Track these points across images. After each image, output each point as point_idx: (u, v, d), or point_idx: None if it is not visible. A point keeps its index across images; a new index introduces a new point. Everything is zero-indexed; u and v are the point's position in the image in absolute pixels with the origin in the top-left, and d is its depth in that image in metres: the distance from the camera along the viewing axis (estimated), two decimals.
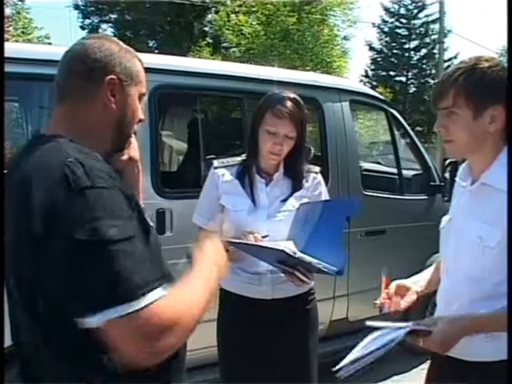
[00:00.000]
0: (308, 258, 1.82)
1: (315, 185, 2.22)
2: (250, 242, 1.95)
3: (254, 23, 16.08)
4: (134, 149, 1.42)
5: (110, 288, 0.98)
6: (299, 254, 1.82)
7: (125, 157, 1.39)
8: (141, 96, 1.29)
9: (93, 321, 0.98)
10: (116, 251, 0.99)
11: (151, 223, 1.21)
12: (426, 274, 1.83)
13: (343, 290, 3.82)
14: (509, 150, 1.47)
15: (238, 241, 1.93)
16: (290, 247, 1.87)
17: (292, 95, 2.09)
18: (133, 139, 1.38)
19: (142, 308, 0.98)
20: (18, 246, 1.06)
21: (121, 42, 1.29)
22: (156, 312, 1.00)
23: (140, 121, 1.31)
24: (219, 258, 1.35)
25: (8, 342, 1.20)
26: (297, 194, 2.15)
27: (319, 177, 2.25)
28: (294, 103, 2.07)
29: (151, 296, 1.00)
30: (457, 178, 1.64)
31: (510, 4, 1.87)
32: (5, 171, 1.20)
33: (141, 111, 1.31)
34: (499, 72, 1.45)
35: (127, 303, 0.98)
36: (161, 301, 1.01)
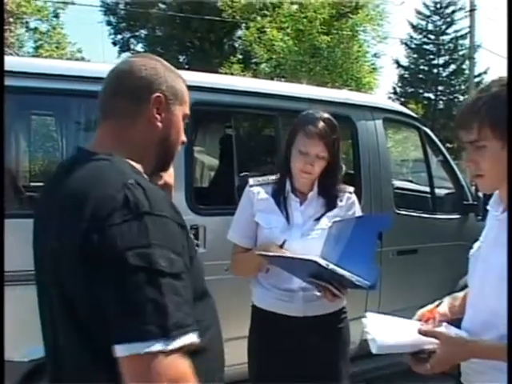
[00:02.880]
0: (341, 271, 1.83)
1: (349, 204, 2.24)
2: (281, 254, 1.98)
3: (285, 39, 16.16)
4: (170, 175, 1.44)
5: (148, 319, 0.94)
6: (332, 266, 1.83)
7: (161, 182, 1.40)
8: (185, 117, 1.30)
9: (119, 350, 0.95)
10: (164, 284, 0.96)
11: (198, 249, 1.23)
12: (455, 300, 1.78)
13: (374, 310, 3.79)
14: (509, 151, 1.41)
15: (269, 254, 1.96)
16: (321, 260, 1.88)
17: (325, 115, 2.12)
18: (171, 167, 1.39)
19: (173, 350, 0.94)
20: (69, 257, 1.03)
21: (165, 62, 1.31)
22: (184, 358, 0.96)
23: (182, 143, 1.32)
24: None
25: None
26: (330, 213, 2.18)
27: (353, 197, 2.27)
28: (326, 123, 2.10)
29: (185, 339, 0.97)
30: (488, 207, 1.58)
31: (510, 4, 1.87)
32: (43, 184, 1.22)
33: (183, 133, 1.31)
34: None
35: (162, 340, 0.94)
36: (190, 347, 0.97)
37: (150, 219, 1.00)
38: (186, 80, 1.33)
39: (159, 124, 1.22)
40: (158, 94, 1.21)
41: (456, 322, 1.58)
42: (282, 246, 2.07)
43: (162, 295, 0.96)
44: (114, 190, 1.03)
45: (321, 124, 2.08)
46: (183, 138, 1.31)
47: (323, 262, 1.81)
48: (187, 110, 1.31)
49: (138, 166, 1.18)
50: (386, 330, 1.50)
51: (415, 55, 27.83)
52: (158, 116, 1.22)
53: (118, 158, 1.14)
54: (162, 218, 1.02)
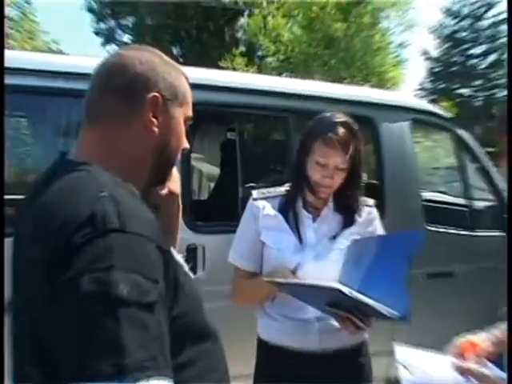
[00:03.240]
0: (366, 300, 1.82)
1: (369, 220, 2.24)
2: (297, 281, 1.97)
3: (294, 28, 16.23)
4: (175, 181, 1.42)
5: (100, 356, 0.90)
6: (355, 294, 1.82)
7: (164, 190, 1.38)
8: (187, 120, 1.29)
9: None
10: (123, 314, 0.92)
11: (191, 275, 1.21)
12: (500, 331, 1.78)
13: (402, 342, 3.78)
14: (509, 151, 1.41)
15: (282, 280, 1.96)
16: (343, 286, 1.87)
17: (343, 119, 2.11)
18: (174, 169, 1.38)
19: None
20: (34, 280, 1.02)
21: (165, 56, 1.29)
22: None
23: (184, 150, 1.31)
24: None
25: None
26: (348, 230, 2.18)
27: (374, 211, 2.28)
28: (346, 129, 2.08)
29: None
30: None
31: (510, 4, 1.89)
32: (23, 196, 1.21)
33: (185, 138, 1.30)
34: None
35: (116, 381, 0.88)
36: None
37: (118, 237, 0.98)
38: (188, 77, 1.32)
39: (155, 129, 1.21)
40: (154, 94, 1.20)
41: (497, 360, 1.58)
42: (294, 271, 2.06)
43: (119, 327, 0.91)
44: (83, 204, 1.02)
45: (341, 130, 2.07)
46: (185, 144, 1.31)
47: (346, 290, 1.81)
48: (190, 112, 1.30)
49: (124, 178, 1.16)
50: (418, 366, 1.50)
51: (447, 45, 27.79)
52: (154, 120, 1.21)
53: (97, 167, 1.13)
54: (133, 236, 1.00)
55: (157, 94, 1.20)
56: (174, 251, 1.19)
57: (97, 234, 0.97)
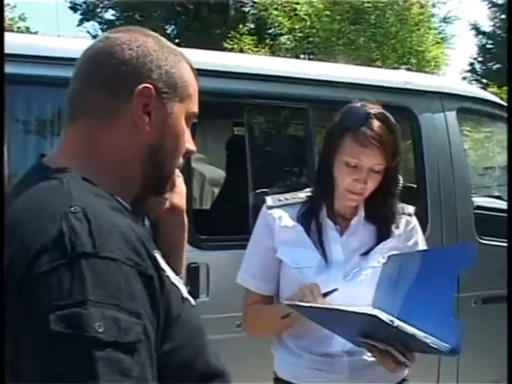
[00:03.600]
0: (411, 329, 1.81)
1: (409, 232, 2.24)
2: (325, 306, 1.96)
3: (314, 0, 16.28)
4: (180, 194, 1.41)
5: None
6: (398, 323, 1.80)
7: (165, 205, 1.38)
8: (190, 117, 1.27)
9: None
10: (99, 357, 0.92)
11: (192, 301, 1.20)
12: None
13: (450, 380, 3.77)
14: (509, 151, 1.41)
15: (308, 305, 1.95)
16: (383, 313, 1.87)
17: (378, 110, 2.10)
18: (179, 179, 1.37)
19: None
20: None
21: (163, 39, 1.28)
22: None
23: (189, 153, 1.30)
24: None
25: None
26: (383, 245, 2.18)
27: (414, 220, 2.27)
28: (382, 122, 2.07)
29: None
30: None
31: (510, 4, 1.91)
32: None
33: (190, 139, 1.29)
34: None
35: None
36: None
37: (90, 264, 0.98)
38: (193, 65, 1.30)
39: (147, 127, 1.20)
40: (145, 85, 1.18)
41: None
42: (326, 295, 2.04)
43: (95, 373, 0.92)
44: (49, 221, 1.02)
45: (376, 124, 2.05)
46: (189, 146, 1.29)
47: (386, 318, 1.80)
48: (194, 108, 1.28)
49: (108, 187, 1.16)
50: None
51: (503, 16, 27.62)
52: (145, 116, 1.19)
53: (73, 175, 1.13)
54: (108, 261, 0.99)
55: (149, 85, 1.19)
56: (169, 273, 1.17)
57: (64, 261, 0.97)
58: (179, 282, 1.20)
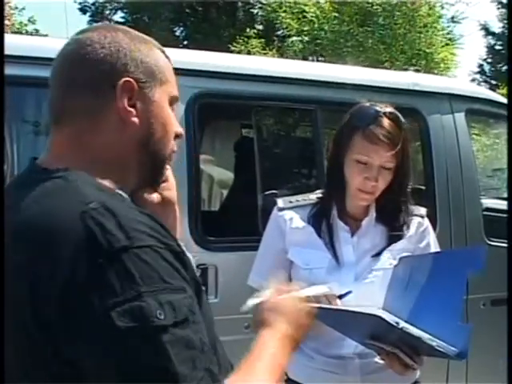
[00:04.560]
0: (416, 331, 1.80)
1: (421, 233, 2.23)
2: (332, 307, 1.96)
3: (321, 1, 16.26)
4: (170, 186, 1.43)
5: None
6: (403, 325, 1.80)
7: (155, 198, 1.39)
8: (172, 101, 1.29)
9: None
10: (168, 342, 0.99)
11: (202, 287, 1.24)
12: None
13: (459, 381, 3.76)
14: (509, 152, 1.41)
15: (317, 306, 1.93)
16: (388, 315, 1.86)
17: (389, 109, 2.11)
18: (169, 173, 1.38)
19: None
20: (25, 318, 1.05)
21: (131, 30, 1.29)
22: None
23: (177, 136, 1.31)
24: (297, 327, 1.39)
25: None
26: (395, 246, 2.18)
27: (426, 222, 2.27)
28: (392, 121, 2.08)
29: None
30: None
31: (510, 4, 1.91)
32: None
33: (176, 123, 1.31)
34: None
35: None
36: None
37: (131, 256, 1.01)
38: (164, 50, 1.32)
39: (135, 119, 1.22)
40: (125, 79, 1.20)
41: None
42: (341, 297, 2.04)
43: (168, 356, 0.99)
44: (69, 221, 1.04)
45: (386, 121, 2.07)
46: (177, 129, 1.32)
47: (390, 319, 1.80)
48: (174, 91, 1.30)
49: (108, 182, 1.19)
50: None
51: None
52: (131, 109, 1.21)
53: (75, 173, 1.15)
54: (146, 249, 1.03)
55: (128, 78, 1.21)
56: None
57: (105, 259, 1.00)
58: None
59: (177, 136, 1.31)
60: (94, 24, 1.32)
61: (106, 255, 1.00)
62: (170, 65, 1.31)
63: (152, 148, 1.26)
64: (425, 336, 1.81)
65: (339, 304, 1.96)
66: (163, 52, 1.31)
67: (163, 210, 1.41)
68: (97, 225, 1.02)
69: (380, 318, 1.77)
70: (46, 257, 1.03)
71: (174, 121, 1.30)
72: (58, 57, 1.26)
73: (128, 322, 0.98)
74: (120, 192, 1.18)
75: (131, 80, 1.21)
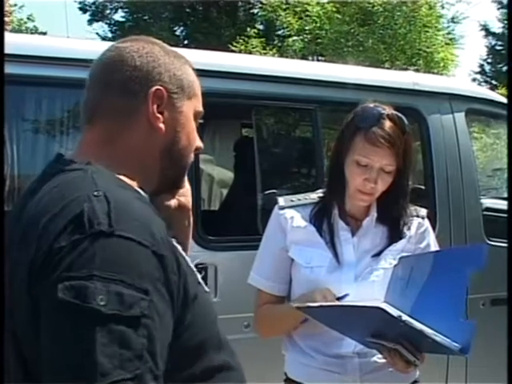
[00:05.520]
0: (418, 325, 1.80)
1: (421, 234, 2.24)
2: (330, 304, 1.96)
3: (322, 0, 16.25)
4: (186, 193, 1.47)
5: (71, 378, 0.98)
6: (406, 318, 1.80)
7: (173, 203, 1.44)
8: (197, 115, 1.37)
9: None
10: (98, 329, 0.99)
11: (206, 288, 1.27)
12: None
13: (459, 382, 3.76)
14: (509, 151, 1.42)
15: (313, 304, 1.94)
16: (391, 307, 1.85)
17: (391, 111, 2.11)
18: (185, 180, 1.44)
19: None
20: (18, 287, 1.12)
21: (165, 45, 1.39)
22: None
23: (197, 149, 1.39)
24: None
25: None
26: (395, 246, 2.18)
27: (426, 223, 2.27)
28: (394, 123, 2.08)
29: None
30: None
31: (510, 4, 1.92)
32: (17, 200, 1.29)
33: (198, 137, 1.38)
34: None
35: None
36: None
37: (104, 241, 1.05)
38: (195, 67, 1.40)
39: (162, 125, 1.29)
40: (157, 87, 1.28)
41: None
42: (340, 299, 2.04)
43: (94, 344, 0.98)
44: (73, 203, 1.10)
45: (387, 124, 2.07)
46: (198, 142, 1.38)
47: (393, 311, 1.79)
48: (199, 106, 1.37)
49: (131, 182, 1.25)
50: None
51: None
52: (159, 115, 1.29)
53: (96, 166, 1.21)
54: (122, 240, 1.06)
55: (160, 87, 1.29)
56: (186, 258, 1.25)
57: (81, 237, 1.05)
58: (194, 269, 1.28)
59: (196, 149, 1.38)
60: (134, 36, 1.42)
61: (83, 234, 1.05)
62: (198, 82, 1.38)
63: (175, 155, 1.33)
64: (427, 330, 1.81)
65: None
66: (193, 69, 1.39)
67: (179, 215, 1.47)
68: (89, 208, 1.08)
69: (382, 310, 1.77)
70: (45, 230, 1.10)
71: (196, 134, 1.37)
72: (97, 61, 1.35)
73: (68, 296, 1.01)
74: (138, 189, 1.24)
75: (162, 89, 1.29)
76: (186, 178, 1.44)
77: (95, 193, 1.10)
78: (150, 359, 1.03)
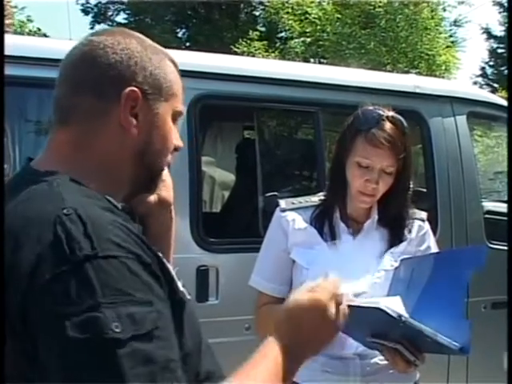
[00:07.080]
0: (418, 325, 1.79)
1: (421, 237, 2.25)
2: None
3: (324, 3, 16.26)
4: (167, 188, 1.43)
5: None
6: (406, 318, 1.79)
7: (152, 198, 1.40)
8: (176, 115, 1.29)
9: None
10: (123, 356, 0.96)
11: (188, 295, 1.21)
12: None
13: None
14: (509, 154, 1.42)
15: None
16: (391, 306, 1.85)
17: (391, 113, 2.12)
18: (166, 174, 1.39)
19: None
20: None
21: (146, 39, 1.29)
22: None
23: (176, 150, 1.31)
24: (311, 333, 1.34)
25: None
26: (396, 249, 2.19)
27: (426, 226, 2.28)
28: (394, 125, 2.10)
29: None
30: None
31: (510, 4, 1.92)
32: None
33: (177, 136, 1.31)
34: None
35: None
36: None
37: (94, 266, 0.99)
38: (177, 63, 1.31)
39: (135, 130, 1.22)
40: (131, 88, 1.20)
41: None
42: (357, 295, 2.03)
43: (123, 370, 0.95)
44: (43, 227, 1.03)
45: (388, 125, 2.08)
46: (176, 142, 1.31)
47: (393, 311, 1.79)
48: (179, 106, 1.30)
49: (99, 187, 1.19)
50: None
51: None
52: (132, 119, 1.21)
53: (62, 178, 1.15)
54: (111, 259, 1.01)
55: (134, 88, 1.20)
56: (168, 265, 1.20)
57: (68, 267, 0.98)
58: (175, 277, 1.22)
59: (175, 149, 1.31)
60: (110, 28, 1.31)
61: (68, 263, 0.99)
62: (179, 79, 1.30)
63: (148, 159, 1.26)
64: (428, 330, 1.80)
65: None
66: (175, 64, 1.30)
67: (160, 210, 1.42)
68: (63, 232, 1.01)
69: (382, 310, 1.77)
70: (15, 262, 1.02)
71: (174, 135, 1.29)
72: (69, 55, 1.26)
73: (81, 332, 0.95)
74: (109, 198, 1.17)
75: (137, 90, 1.20)
76: (166, 171, 1.37)
77: (65, 211, 1.03)
78: (174, 367, 1.02)
